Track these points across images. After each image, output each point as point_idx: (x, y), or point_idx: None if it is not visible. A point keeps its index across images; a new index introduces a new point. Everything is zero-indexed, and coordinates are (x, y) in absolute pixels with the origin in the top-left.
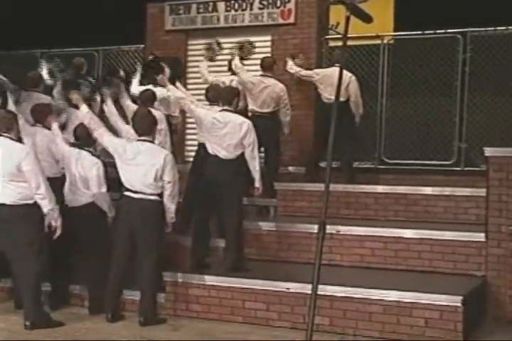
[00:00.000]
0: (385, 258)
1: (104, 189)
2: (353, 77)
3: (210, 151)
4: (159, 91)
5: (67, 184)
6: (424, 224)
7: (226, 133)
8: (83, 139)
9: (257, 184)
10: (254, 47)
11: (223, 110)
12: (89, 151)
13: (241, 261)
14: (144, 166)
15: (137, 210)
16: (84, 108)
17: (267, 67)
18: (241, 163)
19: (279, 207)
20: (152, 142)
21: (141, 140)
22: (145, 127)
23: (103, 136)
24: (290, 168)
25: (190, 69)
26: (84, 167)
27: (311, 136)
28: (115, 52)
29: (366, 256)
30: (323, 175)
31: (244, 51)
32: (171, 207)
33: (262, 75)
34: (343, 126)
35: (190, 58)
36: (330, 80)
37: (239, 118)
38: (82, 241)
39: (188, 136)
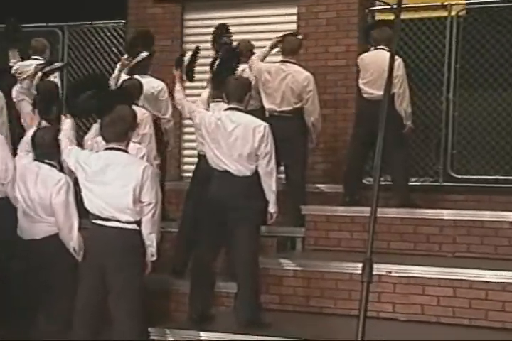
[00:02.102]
0: (454, 310)
1: (75, 219)
2: (397, 60)
3: (214, 165)
4: (148, 84)
5: (20, 209)
6: (509, 264)
7: (236, 140)
8: (46, 147)
9: (272, 208)
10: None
11: (231, 109)
12: (52, 165)
13: (257, 313)
14: (116, 184)
15: (108, 243)
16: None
17: (290, 50)
18: (257, 181)
19: (309, 238)
20: (125, 151)
21: (110, 148)
22: (118, 130)
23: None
24: (322, 187)
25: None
26: (46, 187)
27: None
28: (86, 30)
29: (429, 307)
30: (368, 195)
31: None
32: (151, 237)
33: (282, 61)
34: (390, 130)
35: (187, 39)
36: (372, 68)
37: (252, 120)
38: (43, 286)
39: (186, 144)
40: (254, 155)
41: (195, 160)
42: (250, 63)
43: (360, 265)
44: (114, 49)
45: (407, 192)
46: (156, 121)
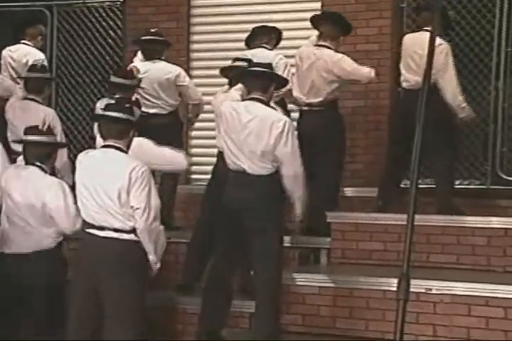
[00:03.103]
0: (506, 334)
1: (78, 224)
2: (443, 45)
3: (228, 162)
4: (162, 70)
5: (4, 218)
6: None
7: (249, 134)
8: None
9: (298, 218)
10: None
11: (252, 99)
12: (42, 168)
13: (277, 335)
14: (106, 185)
15: (102, 256)
16: None
17: (329, 33)
18: (277, 182)
19: (335, 250)
20: (122, 150)
21: (106, 146)
22: (117, 126)
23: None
24: (350, 190)
25: (195, 38)
26: (38, 192)
27: (386, 141)
28: (78, 10)
29: (476, 330)
30: (404, 200)
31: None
32: (149, 248)
33: (317, 45)
34: (436, 126)
35: (194, 20)
36: (409, 52)
37: (272, 113)
38: (32, 309)
39: (193, 142)
40: (270, 154)
41: (205, 159)
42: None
43: (396, 281)
44: (110, 32)
45: (450, 197)
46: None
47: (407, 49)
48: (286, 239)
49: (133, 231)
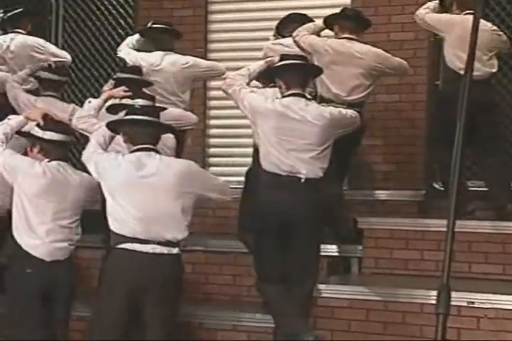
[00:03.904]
0: None
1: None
2: (502, 35)
3: (274, 164)
4: (175, 64)
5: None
6: None
7: (305, 134)
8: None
9: None
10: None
11: (293, 95)
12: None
13: None
14: (165, 190)
15: (150, 279)
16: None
17: (358, 24)
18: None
19: (367, 259)
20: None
21: (143, 149)
22: (152, 130)
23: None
24: (382, 194)
25: (213, 27)
26: (75, 191)
27: (423, 139)
28: None
29: None
30: (444, 204)
31: None
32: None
33: (346, 38)
34: (491, 120)
35: (212, 7)
36: (461, 34)
37: (326, 110)
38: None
39: (211, 141)
40: (324, 157)
41: (224, 160)
42: (298, 35)
43: (434, 293)
44: (121, 21)
45: (507, 199)
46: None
47: (452, 29)
48: None
49: (178, 243)
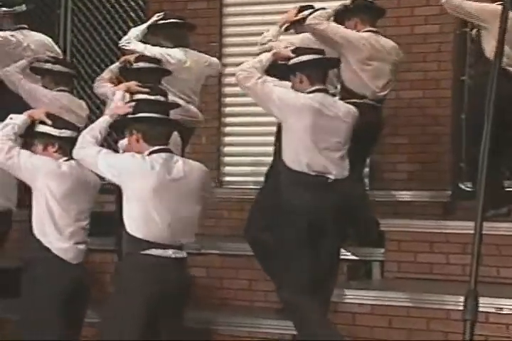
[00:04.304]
0: None
1: None
2: None
3: (298, 166)
4: (198, 62)
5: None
6: None
7: (335, 132)
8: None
9: None
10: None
11: (319, 91)
12: None
13: None
14: (189, 193)
15: (174, 284)
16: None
17: (375, 16)
18: None
19: (390, 263)
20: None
21: (164, 150)
22: (166, 129)
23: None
24: (406, 195)
25: (229, 20)
26: (92, 191)
27: (448, 137)
28: None
29: None
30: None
31: None
32: None
33: (371, 31)
34: None
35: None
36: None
37: (351, 108)
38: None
39: (226, 139)
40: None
41: (239, 159)
42: (317, 23)
43: (461, 299)
44: (132, 14)
45: None
46: None
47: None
48: None
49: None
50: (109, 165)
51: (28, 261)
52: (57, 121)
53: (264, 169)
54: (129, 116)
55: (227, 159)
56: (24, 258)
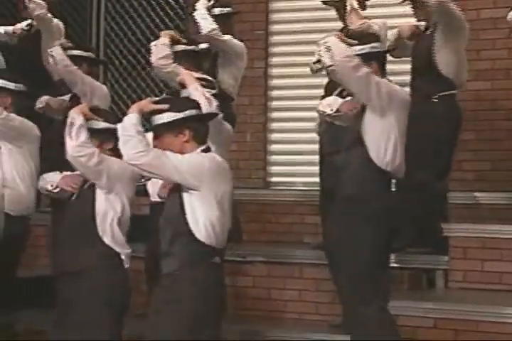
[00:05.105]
0: None
1: None
2: None
3: (391, 168)
4: None
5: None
6: None
7: None
8: None
9: None
10: None
11: None
12: None
13: None
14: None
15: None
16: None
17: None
18: None
19: (455, 272)
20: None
21: (209, 149)
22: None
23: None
24: (474, 196)
25: (276, 6)
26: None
27: None
28: None
29: None
30: None
31: None
32: None
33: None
34: None
35: None
36: None
37: None
38: None
39: (273, 136)
40: None
41: (287, 158)
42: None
43: None
44: (170, 0)
45: None
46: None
47: None
48: (393, 257)
49: None
50: (190, 165)
51: (87, 267)
52: (109, 117)
53: (315, 168)
54: (182, 113)
55: (274, 158)
56: (80, 264)
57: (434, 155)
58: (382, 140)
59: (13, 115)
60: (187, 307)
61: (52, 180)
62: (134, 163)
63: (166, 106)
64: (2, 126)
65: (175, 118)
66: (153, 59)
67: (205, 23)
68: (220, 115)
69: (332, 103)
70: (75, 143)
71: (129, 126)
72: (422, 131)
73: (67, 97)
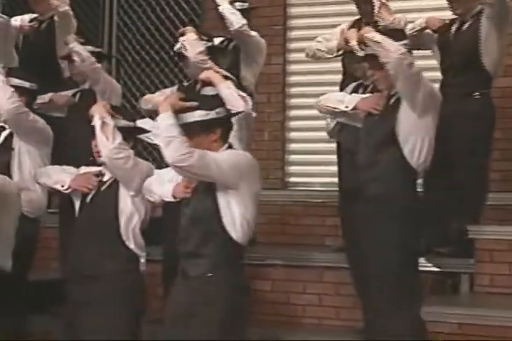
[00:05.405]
0: None
1: None
2: None
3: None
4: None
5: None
6: None
7: None
8: None
9: None
10: None
11: None
12: None
13: None
14: None
15: None
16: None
17: None
18: None
19: (481, 275)
20: None
21: (229, 147)
22: None
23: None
24: (500, 197)
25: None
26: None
27: None
28: None
29: None
30: None
31: None
32: None
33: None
34: None
35: None
36: None
37: None
38: None
39: (291, 135)
40: None
41: (306, 158)
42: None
43: None
44: (185, 6)
45: None
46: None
47: None
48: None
49: None
50: (229, 163)
51: (109, 271)
52: (125, 114)
53: (333, 168)
54: (215, 111)
55: (292, 157)
56: (102, 267)
57: (469, 155)
58: (418, 140)
59: (37, 117)
60: (225, 308)
61: (60, 179)
62: (180, 165)
63: (195, 103)
64: (31, 128)
65: (211, 117)
66: (191, 54)
67: (235, 18)
68: (254, 115)
69: (344, 99)
70: (113, 145)
71: (168, 126)
72: (457, 130)
73: (69, 93)
